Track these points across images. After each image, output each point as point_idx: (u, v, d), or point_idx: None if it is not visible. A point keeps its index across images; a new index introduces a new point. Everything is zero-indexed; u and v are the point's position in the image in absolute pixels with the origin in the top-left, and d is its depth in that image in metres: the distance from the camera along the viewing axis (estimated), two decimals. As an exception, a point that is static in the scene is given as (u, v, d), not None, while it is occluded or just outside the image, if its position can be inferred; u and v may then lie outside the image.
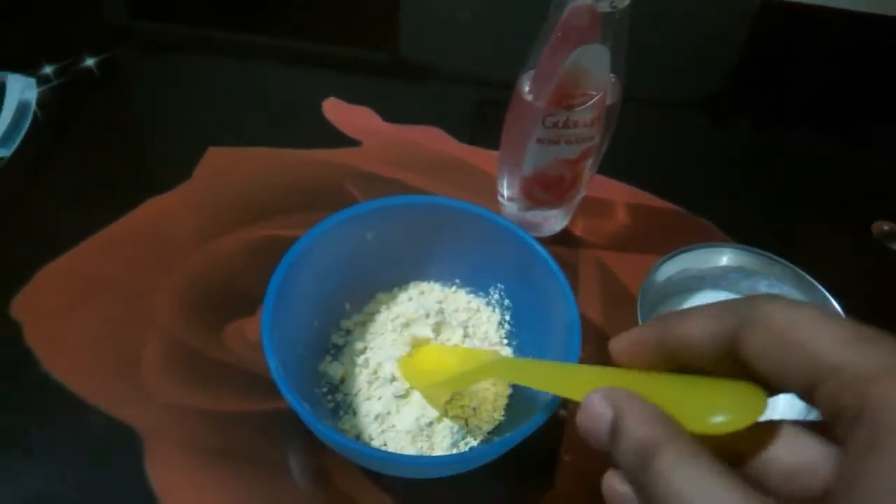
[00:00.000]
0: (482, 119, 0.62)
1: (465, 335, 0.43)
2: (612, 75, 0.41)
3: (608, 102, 0.42)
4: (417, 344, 0.43)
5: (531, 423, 0.34)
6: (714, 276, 0.46)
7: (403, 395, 0.40)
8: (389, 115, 0.60)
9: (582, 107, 0.41)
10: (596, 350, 0.46)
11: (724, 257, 0.45)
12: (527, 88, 0.43)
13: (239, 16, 0.70)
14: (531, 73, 0.42)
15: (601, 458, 0.41)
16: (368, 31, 0.71)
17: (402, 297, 0.45)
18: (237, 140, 0.56)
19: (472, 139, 0.58)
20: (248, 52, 0.66)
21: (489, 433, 0.40)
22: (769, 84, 0.70)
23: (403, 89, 0.65)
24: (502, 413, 0.41)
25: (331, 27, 0.70)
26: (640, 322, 0.41)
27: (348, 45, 0.69)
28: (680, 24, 0.76)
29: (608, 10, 0.38)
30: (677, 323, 0.24)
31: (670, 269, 0.44)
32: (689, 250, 0.45)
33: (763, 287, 0.46)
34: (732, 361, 0.23)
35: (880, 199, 0.59)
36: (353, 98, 0.61)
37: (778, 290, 0.45)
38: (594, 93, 0.41)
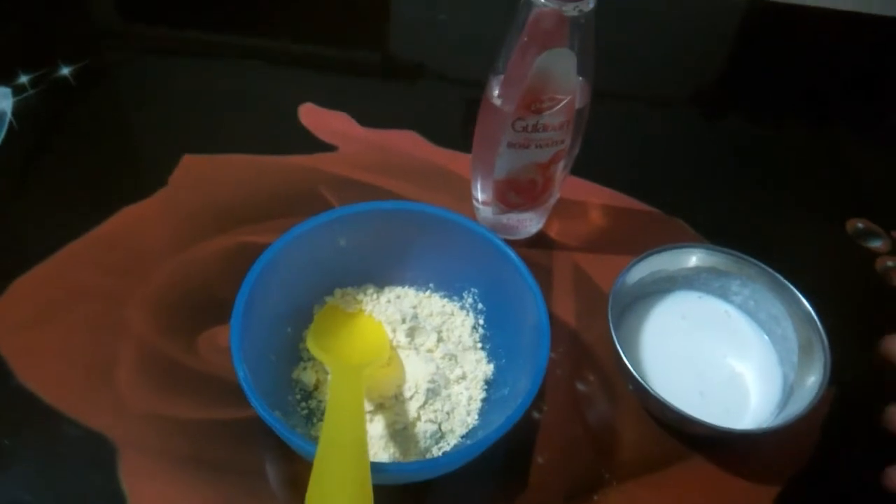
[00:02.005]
0: (462, 122, 0.62)
1: (440, 339, 0.43)
2: (580, 78, 0.41)
3: (577, 106, 0.42)
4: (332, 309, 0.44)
5: (501, 427, 0.34)
6: (685, 277, 0.46)
7: (377, 404, 0.40)
8: (367, 118, 0.60)
9: (550, 111, 0.41)
10: (569, 351, 0.46)
11: (695, 258, 0.46)
12: (496, 93, 0.43)
13: (212, 23, 0.70)
14: (500, 77, 0.43)
15: (574, 459, 0.41)
16: (349, 35, 0.71)
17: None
18: (213, 147, 0.56)
19: (451, 143, 0.58)
20: (222, 57, 0.66)
21: (463, 437, 0.40)
22: (744, 85, 0.71)
23: (382, 93, 0.65)
24: (476, 417, 0.41)
25: (309, 33, 0.70)
26: (611, 325, 0.41)
27: (326, 49, 0.69)
28: (656, 25, 0.76)
29: (574, 13, 0.38)
30: None
31: (641, 271, 0.44)
32: (660, 252, 0.45)
33: (735, 286, 0.46)
34: None
35: (855, 197, 0.59)
36: (331, 102, 0.61)
37: (749, 289, 0.45)
38: (562, 96, 0.41)
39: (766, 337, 0.45)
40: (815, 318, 0.42)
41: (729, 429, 0.39)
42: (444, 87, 0.66)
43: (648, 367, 0.43)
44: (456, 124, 0.61)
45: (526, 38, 0.39)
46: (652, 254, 0.45)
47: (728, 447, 0.42)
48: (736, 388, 0.43)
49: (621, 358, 0.40)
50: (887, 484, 0.38)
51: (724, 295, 0.47)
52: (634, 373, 0.40)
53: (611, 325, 0.41)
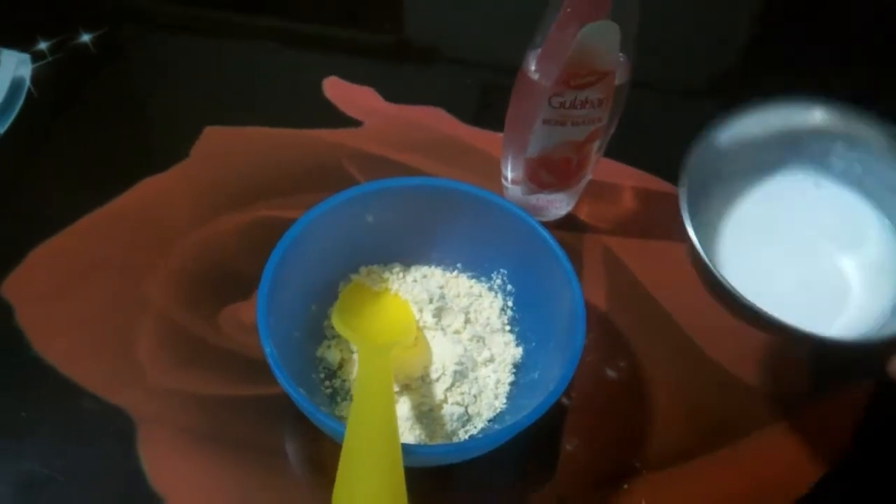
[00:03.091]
0: (486, 100, 0.60)
1: (467, 321, 0.42)
2: (621, 54, 0.40)
3: (617, 82, 0.41)
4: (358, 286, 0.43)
5: (533, 412, 0.33)
6: (775, 146, 0.38)
7: (403, 385, 0.39)
8: (391, 96, 0.58)
9: (590, 87, 0.40)
10: (599, 337, 0.45)
11: (785, 117, 0.38)
12: (533, 67, 0.41)
13: (237, 2, 0.68)
14: (538, 50, 0.41)
15: (604, 447, 0.40)
16: (371, 12, 0.69)
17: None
18: (235, 119, 0.55)
19: (476, 120, 0.57)
20: (247, 31, 0.65)
21: (490, 421, 0.39)
22: (782, 66, 0.68)
23: (406, 70, 0.63)
24: (504, 401, 0.40)
25: (332, 8, 0.68)
26: (685, 208, 0.34)
27: (350, 26, 0.67)
28: (694, 4, 0.74)
29: (618, -16, 0.36)
30: None
31: (722, 139, 0.37)
32: (743, 115, 0.37)
33: (839, 149, 0.37)
34: None
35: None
36: (354, 79, 0.59)
37: (857, 153, 0.37)
38: (603, 72, 0.39)
39: (884, 218, 0.37)
40: None
41: (813, 333, 0.31)
42: (468, 65, 0.64)
43: (727, 258, 0.36)
44: (482, 102, 0.60)
45: (568, 9, 0.37)
46: (735, 116, 0.37)
47: (762, 437, 0.41)
48: (834, 282, 0.36)
49: (696, 249, 0.33)
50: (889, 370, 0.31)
51: (823, 163, 0.38)
52: (709, 263, 0.33)
53: (684, 208, 0.34)
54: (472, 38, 0.66)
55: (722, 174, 0.38)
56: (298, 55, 0.62)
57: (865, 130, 0.36)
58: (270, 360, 0.32)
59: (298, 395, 0.32)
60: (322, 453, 0.39)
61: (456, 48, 0.65)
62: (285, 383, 0.32)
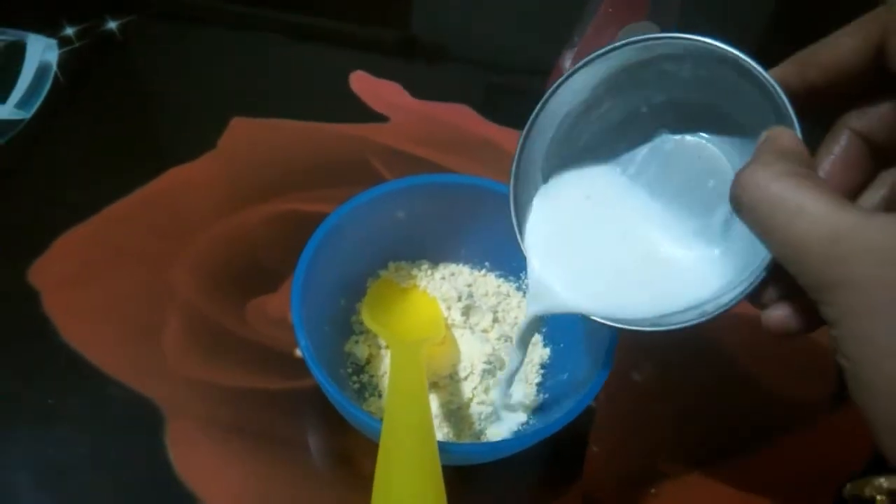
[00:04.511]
0: (503, 99, 0.60)
1: (495, 320, 0.42)
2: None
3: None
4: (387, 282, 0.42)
5: (566, 415, 0.33)
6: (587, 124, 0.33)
7: (432, 382, 0.39)
8: (414, 93, 0.58)
9: (626, 87, 0.39)
10: (625, 339, 0.45)
11: (580, 87, 0.31)
12: (569, 65, 0.41)
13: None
14: (574, 49, 0.41)
15: (630, 450, 0.40)
16: (394, 9, 0.68)
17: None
18: (263, 111, 0.54)
19: (498, 119, 0.56)
20: (276, 26, 0.64)
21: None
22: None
23: (427, 68, 0.63)
24: (531, 401, 0.40)
25: (357, 4, 0.68)
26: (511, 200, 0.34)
27: (374, 23, 0.66)
28: (731, 4, 0.73)
29: (660, -16, 0.36)
30: (819, 50, 0.26)
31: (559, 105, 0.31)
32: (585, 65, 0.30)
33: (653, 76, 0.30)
34: (880, 77, 0.25)
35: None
36: (377, 75, 0.59)
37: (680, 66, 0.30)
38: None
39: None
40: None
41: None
42: (488, 64, 0.63)
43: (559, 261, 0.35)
44: (502, 102, 0.59)
45: (609, 9, 0.37)
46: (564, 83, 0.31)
47: (788, 443, 0.41)
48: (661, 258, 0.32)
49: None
50: (765, 322, 0.28)
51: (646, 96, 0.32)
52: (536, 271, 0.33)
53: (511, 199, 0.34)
54: (489, 34, 0.65)
55: (575, 149, 0.34)
56: (326, 51, 0.62)
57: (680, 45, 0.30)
58: (305, 354, 0.32)
59: (334, 390, 0.31)
60: (347, 448, 0.39)
61: (475, 45, 0.65)
62: (321, 378, 0.32)
